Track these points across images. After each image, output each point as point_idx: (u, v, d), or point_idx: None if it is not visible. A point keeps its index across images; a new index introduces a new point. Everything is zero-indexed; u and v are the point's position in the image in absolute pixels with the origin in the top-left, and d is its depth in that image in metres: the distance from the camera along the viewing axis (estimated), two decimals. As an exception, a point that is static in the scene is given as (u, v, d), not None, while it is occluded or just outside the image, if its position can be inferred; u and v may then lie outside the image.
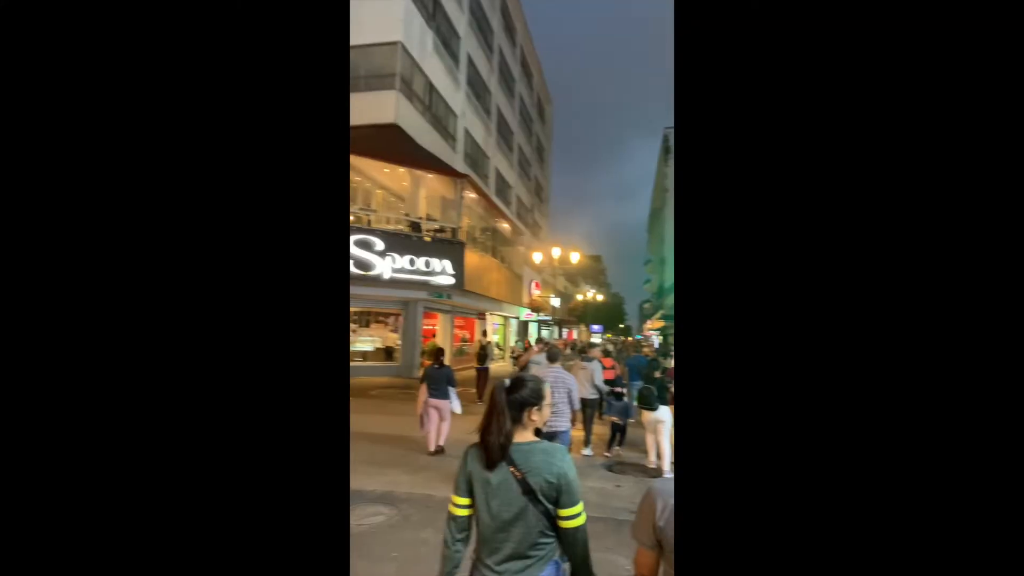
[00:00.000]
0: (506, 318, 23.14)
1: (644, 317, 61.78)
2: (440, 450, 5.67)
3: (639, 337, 38.07)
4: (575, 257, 16.35)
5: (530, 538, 1.33)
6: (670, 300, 31.27)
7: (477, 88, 19.81)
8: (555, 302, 27.90)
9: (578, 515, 1.33)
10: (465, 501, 1.40)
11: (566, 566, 1.39)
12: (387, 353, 14.40)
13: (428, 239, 13.19)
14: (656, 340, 31.07)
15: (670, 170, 35.30)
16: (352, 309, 13.39)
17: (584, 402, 5.46)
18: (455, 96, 17.39)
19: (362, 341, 14.14)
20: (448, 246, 13.44)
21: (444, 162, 14.32)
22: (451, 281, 13.20)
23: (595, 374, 5.78)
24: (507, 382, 1.44)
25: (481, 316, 19.60)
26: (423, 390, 5.67)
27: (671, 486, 1.12)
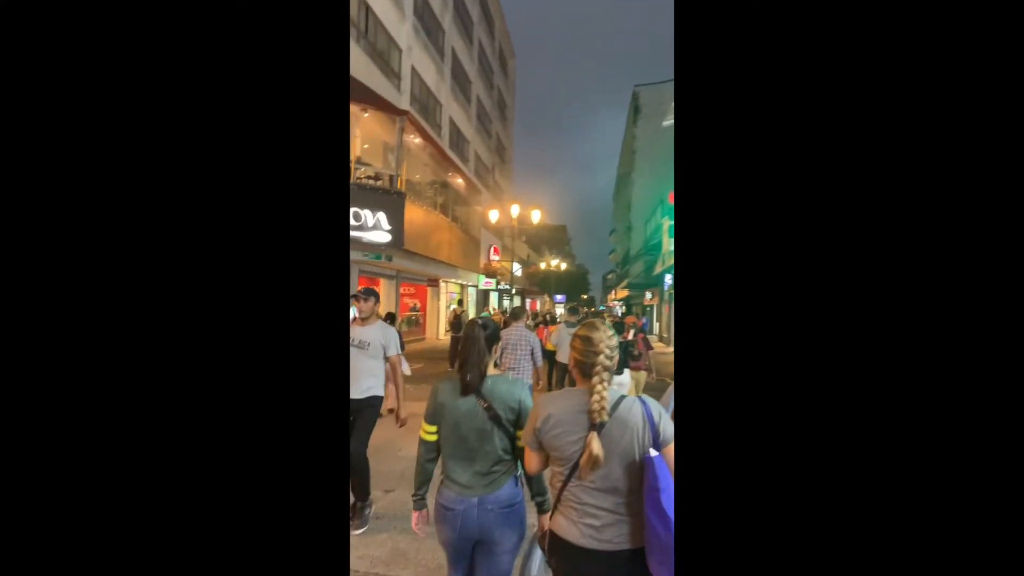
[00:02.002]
0: (463, 287, 21.12)
1: (607, 289, 61.48)
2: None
3: (603, 308, 37.18)
4: (536, 216, 14.38)
5: (493, 456, 1.62)
6: (636, 268, 30.13)
7: (427, 23, 17.21)
8: (517, 270, 26.14)
9: None
10: (433, 428, 1.68)
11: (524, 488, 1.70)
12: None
13: (356, 184, 10.93)
14: (619, 311, 30.07)
15: (639, 131, 33.65)
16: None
17: (555, 363, 6.12)
18: (399, 28, 14.83)
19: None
20: (384, 196, 11.21)
21: (382, 97, 11.90)
22: (387, 238, 11.07)
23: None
24: (480, 321, 1.73)
25: (434, 283, 17.54)
26: None
27: (560, 401, 1.40)
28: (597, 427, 1.31)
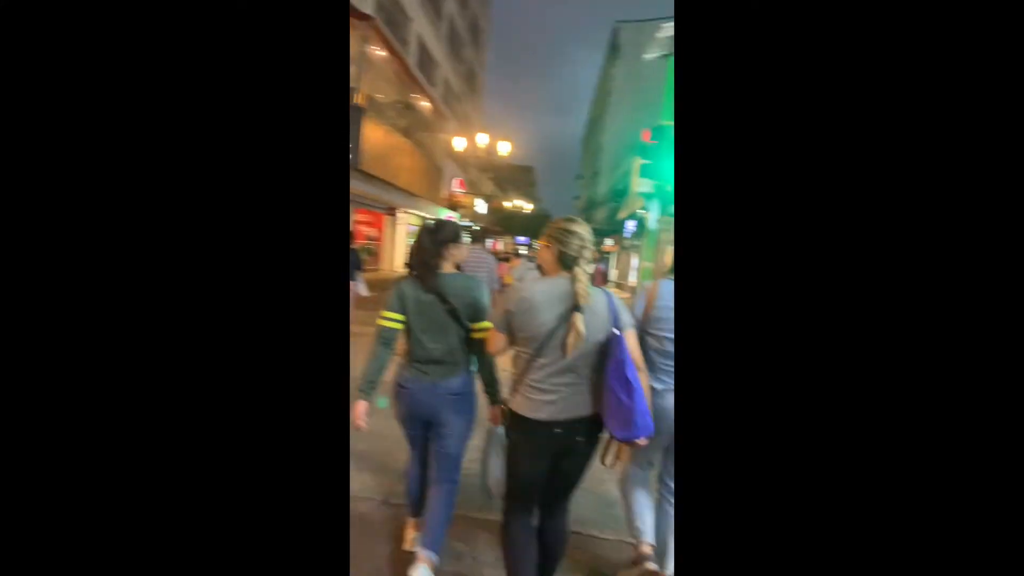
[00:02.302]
0: (424, 219, 20.50)
1: (570, 234, 61.28)
2: None
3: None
4: (505, 148, 13.84)
5: (451, 346, 1.74)
6: (599, 215, 30.12)
7: (398, -80, 15.49)
8: (480, 207, 25.52)
9: (486, 329, 1.72)
10: (397, 316, 1.73)
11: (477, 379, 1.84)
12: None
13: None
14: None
15: (616, 72, 32.55)
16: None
17: None
18: (366, -80, 13.26)
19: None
20: (342, 110, 10.47)
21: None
22: (344, 156, 10.42)
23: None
24: (432, 224, 1.80)
25: (391, 212, 16.88)
26: None
27: (536, 286, 1.52)
28: (580, 309, 1.45)
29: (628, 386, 1.42)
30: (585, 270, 1.49)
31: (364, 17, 10.65)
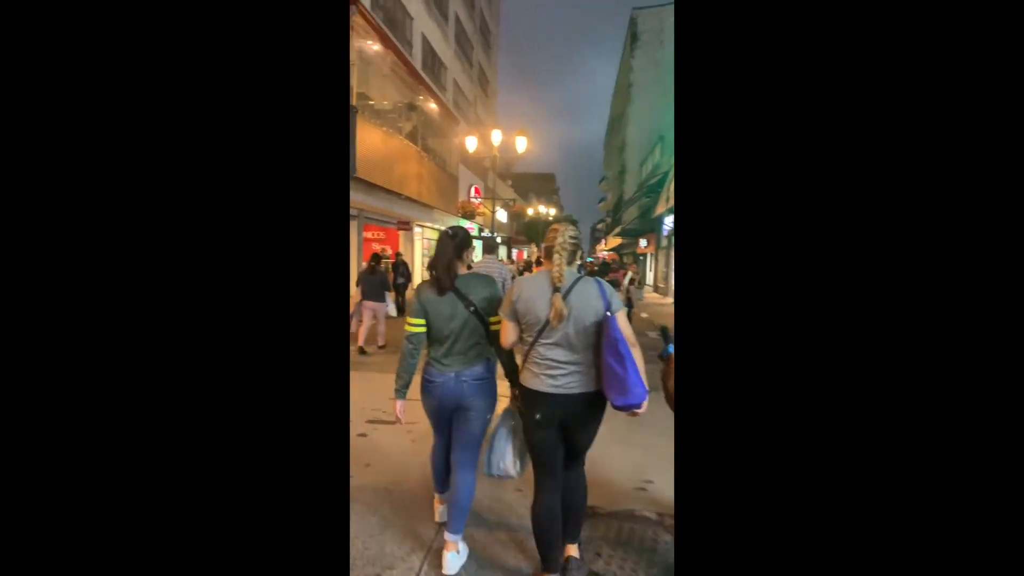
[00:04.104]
0: (441, 232, 18.94)
1: (596, 239, 59.67)
2: (362, 351, 6.10)
3: (590, 260, 35.50)
4: (522, 144, 12.16)
5: (471, 340, 1.99)
6: (629, 214, 28.05)
7: (391, -90, 14.20)
8: (501, 216, 23.89)
9: (499, 322, 1.94)
10: (419, 321, 2.00)
11: (495, 364, 2.13)
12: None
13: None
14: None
15: (637, 62, 30.67)
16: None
17: None
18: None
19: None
20: (330, 110, 9.00)
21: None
22: (335, 163, 8.94)
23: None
24: (450, 231, 2.06)
25: (405, 226, 15.37)
26: (357, 293, 6.12)
27: (529, 281, 1.83)
28: (559, 290, 1.76)
29: (622, 360, 1.63)
30: (562, 260, 1.78)
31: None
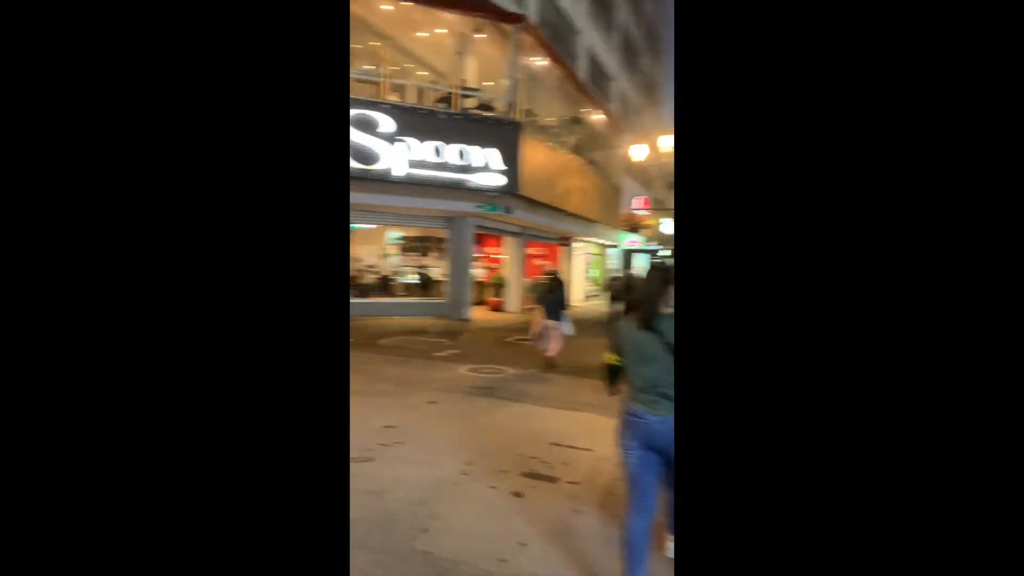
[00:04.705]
0: (603, 247, 18.20)
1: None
2: (550, 365, 6.05)
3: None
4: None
5: (671, 379, 1.76)
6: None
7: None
8: (667, 227, 22.19)
9: None
10: (616, 358, 1.94)
11: None
12: (423, 286, 10.83)
13: (461, 115, 8.85)
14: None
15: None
16: (365, 226, 9.80)
17: None
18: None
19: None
20: (495, 128, 9.03)
21: (493, 3, 9.50)
22: (500, 181, 8.92)
23: None
24: (659, 264, 2.12)
25: (565, 241, 15.10)
26: (540, 311, 6.15)
27: None
28: None
29: None
30: None
31: (516, 18, 9.23)
